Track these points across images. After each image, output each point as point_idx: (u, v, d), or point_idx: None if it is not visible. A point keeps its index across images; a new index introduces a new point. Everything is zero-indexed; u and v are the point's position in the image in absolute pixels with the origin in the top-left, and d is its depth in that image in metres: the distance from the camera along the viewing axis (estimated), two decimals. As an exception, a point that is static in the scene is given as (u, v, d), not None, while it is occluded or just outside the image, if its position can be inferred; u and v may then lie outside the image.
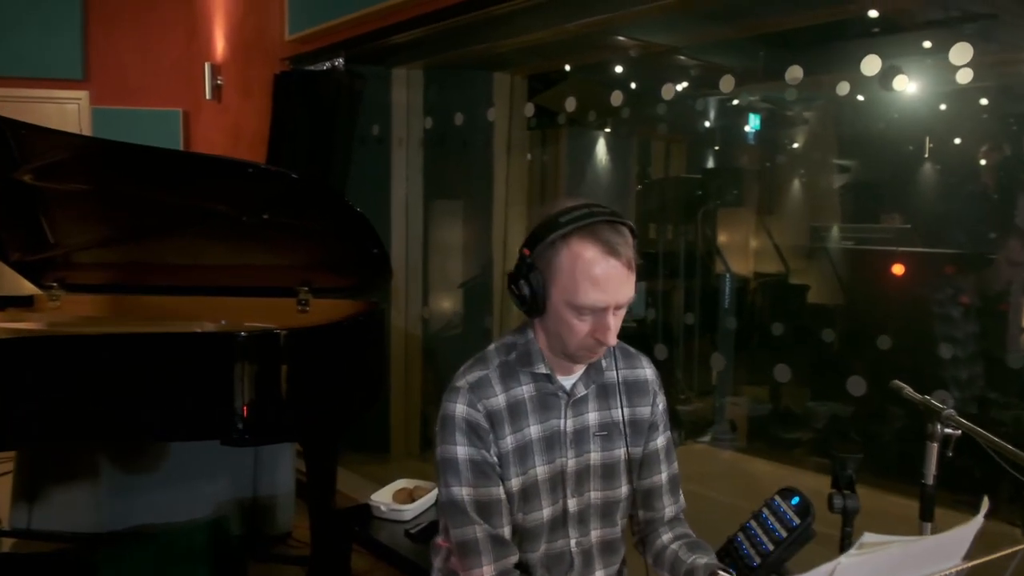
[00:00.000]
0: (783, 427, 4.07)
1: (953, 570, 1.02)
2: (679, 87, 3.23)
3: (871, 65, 2.35)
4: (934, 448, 1.39)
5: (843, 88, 2.71)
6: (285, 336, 2.55)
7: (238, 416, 2.49)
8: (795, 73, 2.49)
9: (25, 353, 2.37)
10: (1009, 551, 1.04)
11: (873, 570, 0.96)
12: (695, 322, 4.23)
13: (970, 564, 1.06)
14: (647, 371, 1.54)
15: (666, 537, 1.51)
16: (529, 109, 4.09)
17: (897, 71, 2.57)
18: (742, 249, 4.81)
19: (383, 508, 2.43)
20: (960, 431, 1.37)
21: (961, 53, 2.15)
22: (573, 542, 1.44)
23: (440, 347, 4.44)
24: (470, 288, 4.49)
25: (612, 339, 1.32)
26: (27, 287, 3.31)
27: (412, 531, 2.33)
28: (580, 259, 1.28)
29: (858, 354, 2.96)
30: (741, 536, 1.59)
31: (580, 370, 1.44)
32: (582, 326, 1.32)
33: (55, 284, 3.25)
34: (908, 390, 1.50)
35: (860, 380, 2.35)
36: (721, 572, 1.33)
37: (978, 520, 1.05)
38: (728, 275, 4.29)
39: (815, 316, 4.18)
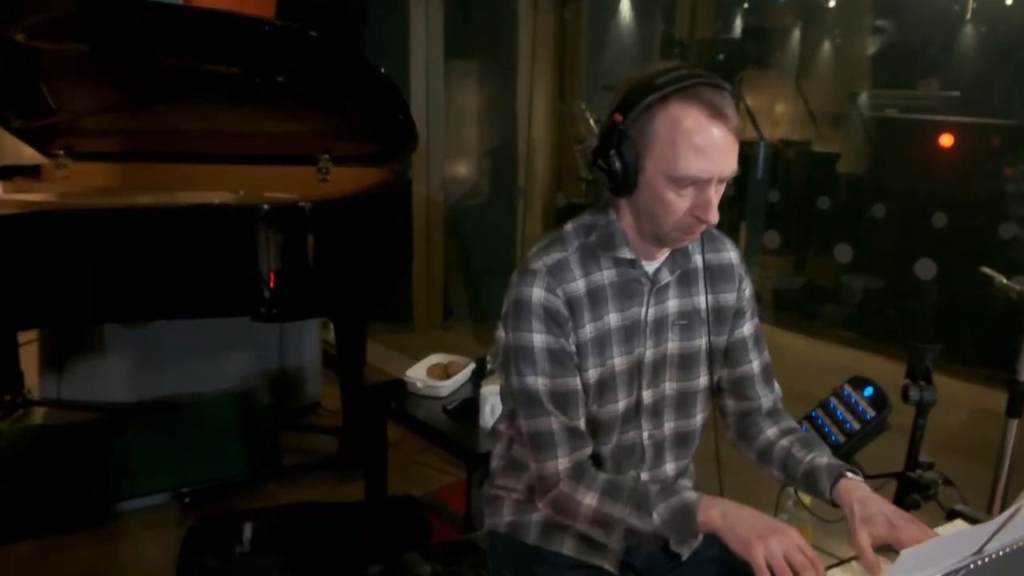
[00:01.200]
0: (813, 301, 4.02)
1: None
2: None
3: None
4: (1032, 343, 1.30)
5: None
6: (311, 208, 2.45)
7: (266, 291, 2.43)
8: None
9: (40, 229, 2.27)
10: None
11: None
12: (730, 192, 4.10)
13: None
14: (732, 254, 1.42)
15: (771, 432, 1.41)
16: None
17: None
18: (768, 114, 4.60)
19: (419, 384, 2.40)
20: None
21: None
22: (646, 434, 1.38)
23: (463, 216, 4.32)
24: (494, 154, 4.31)
25: (714, 216, 1.19)
26: (31, 155, 3.16)
27: (449, 407, 2.31)
28: (681, 124, 1.14)
29: (904, 230, 2.85)
30: (807, 426, 1.54)
31: (664, 255, 1.33)
32: (680, 202, 1.19)
33: (61, 152, 3.10)
34: (1001, 280, 1.39)
35: (930, 263, 2.24)
36: (850, 474, 1.24)
37: None
38: (762, 143, 4.10)
39: (848, 188, 4.04)
